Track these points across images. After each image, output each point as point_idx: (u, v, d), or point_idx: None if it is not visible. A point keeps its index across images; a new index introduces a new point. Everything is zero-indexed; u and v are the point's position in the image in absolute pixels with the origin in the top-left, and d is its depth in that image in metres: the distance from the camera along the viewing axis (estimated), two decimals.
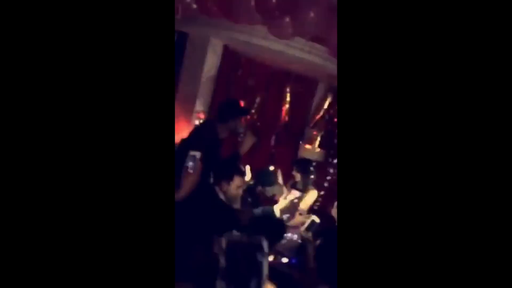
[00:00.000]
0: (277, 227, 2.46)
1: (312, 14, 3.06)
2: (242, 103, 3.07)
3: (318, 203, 3.82)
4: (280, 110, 4.46)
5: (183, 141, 2.71)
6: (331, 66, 3.71)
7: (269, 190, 3.24)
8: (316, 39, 3.53)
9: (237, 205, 2.63)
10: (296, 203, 3.19)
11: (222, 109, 2.77)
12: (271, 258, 2.58)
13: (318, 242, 2.21)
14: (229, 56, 4.02)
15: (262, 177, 3.25)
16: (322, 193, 3.92)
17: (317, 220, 2.74)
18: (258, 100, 4.28)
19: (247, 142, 2.76)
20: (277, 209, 3.08)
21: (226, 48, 3.93)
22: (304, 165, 3.48)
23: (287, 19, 3.19)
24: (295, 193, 3.21)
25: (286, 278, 2.17)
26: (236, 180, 2.43)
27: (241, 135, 2.93)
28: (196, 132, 2.87)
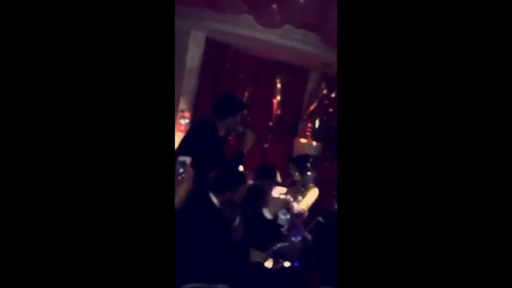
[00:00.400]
0: (272, 229, 2.35)
1: (301, 0, 2.82)
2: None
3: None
4: (271, 103, 4.21)
5: (181, 143, 2.50)
6: (325, 54, 3.50)
7: (269, 186, 2.94)
8: (306, 26, 3.30)
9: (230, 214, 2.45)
10: (284, 200, 2.97)
11: (219, 105, 2.57)
12: (270, 263, 2.49)
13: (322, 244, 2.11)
14: (213, 49, 3.73)
15: (264, 173, 3.01)
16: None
17: (323, 221, 2.62)
18: (247, 94, 4.01)
19: (249, 140, 2.60)
20: (267, 212, 2.87)
21: (209, 40, 3.63)
22: (302, 162, 3.26)
23: (274, 6, 2.95)
24: (281, 190, 2.96)
25: (289, 282, 2.12)
26: (241, 190, 2.33)
27: (240, 132, 2.70)
28: (194, 132, 2.66)
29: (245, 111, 2.82)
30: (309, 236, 2.56)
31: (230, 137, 3.33)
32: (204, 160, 2.38)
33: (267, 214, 2.69)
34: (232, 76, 4.00)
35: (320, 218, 2.66)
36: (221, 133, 2.57)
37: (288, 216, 3.15)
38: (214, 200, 2.38)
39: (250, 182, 2.92)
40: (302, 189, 3.22)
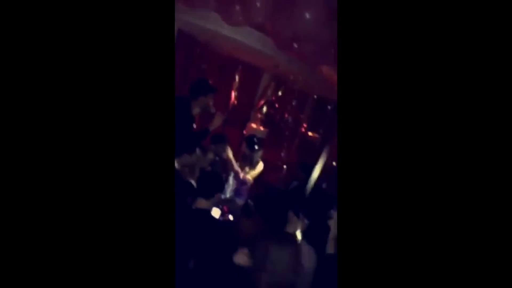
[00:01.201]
0: (219, 185, 2.67)
1: (258, 4, 3.24)
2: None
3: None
4: (230, 95, 4.71)
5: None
6: (277, 56, 3.94)
7: (221, 148, 3.45)
8: (263, 29, 3.69)
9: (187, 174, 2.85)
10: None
11: (193, 86, 2.94)
12: (218, 213, 2.84)
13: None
14: (184, 41, 4.07)
15: (217, 139, 3.45)
16: None
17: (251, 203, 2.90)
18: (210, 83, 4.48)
19: (217, 120, 2.97)
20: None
21: (180, 32, 3.96)
22: (252, 141, 3.83)
23: (238, 7, 3.34)
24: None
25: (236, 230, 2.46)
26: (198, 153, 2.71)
27: (211, 112, 3.06)
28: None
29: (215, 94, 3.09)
30: (251, 203, 2.86)
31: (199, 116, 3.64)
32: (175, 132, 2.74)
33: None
34: (197, 68, 4.41)
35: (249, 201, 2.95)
36: (196, 111, 2.92)
37: (235, 181, 3.68)
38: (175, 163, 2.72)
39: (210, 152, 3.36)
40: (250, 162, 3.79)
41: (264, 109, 4.73)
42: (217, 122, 2.99)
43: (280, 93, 4.81)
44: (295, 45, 3.74)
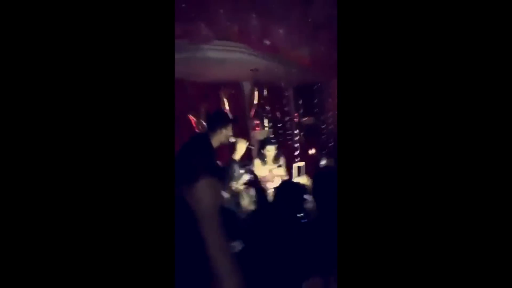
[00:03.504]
0: None
1: (221, 11, 3.06)
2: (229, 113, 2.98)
3: None
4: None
5: (177, 155, 2.49)
6: (252, 60, 3.82)
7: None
8: (230, 38, 3.54)
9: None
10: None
11: (211, 120, 2.72)
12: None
13: None
14: None
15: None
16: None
17: None
18: (203, 110, 4.30)
19: (240, 148, 2.69)
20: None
21: None
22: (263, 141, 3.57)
23: (202, 24, 3.13)
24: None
25: None
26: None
27: (232, 143, 2.75)
28: (190, 143, 2.69)
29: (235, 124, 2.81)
30: None
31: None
32: (199, 168, 2.40)
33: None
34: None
35: None
36: (216, 143, 2.60)
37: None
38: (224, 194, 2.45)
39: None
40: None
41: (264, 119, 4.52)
42: (241, 149, 2.66)
43: (266, 93, 4.63)
44: (267, 42, 3.62)
